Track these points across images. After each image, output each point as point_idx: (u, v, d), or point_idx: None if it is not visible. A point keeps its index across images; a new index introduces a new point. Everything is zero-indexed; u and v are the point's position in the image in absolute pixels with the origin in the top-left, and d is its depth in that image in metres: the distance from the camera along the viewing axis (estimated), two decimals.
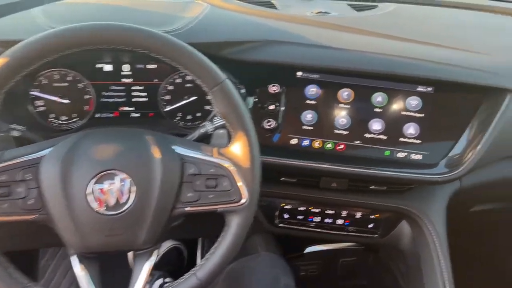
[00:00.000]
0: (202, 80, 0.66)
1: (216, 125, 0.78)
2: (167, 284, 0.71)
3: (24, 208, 0.63)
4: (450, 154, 0.87)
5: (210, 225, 0.76)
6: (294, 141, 0.88)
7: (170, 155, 0.67)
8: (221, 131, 0.76)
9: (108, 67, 0.89)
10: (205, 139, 0.78)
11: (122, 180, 0.64)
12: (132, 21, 0.64)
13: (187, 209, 0.67)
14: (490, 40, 1.00)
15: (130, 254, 1.12)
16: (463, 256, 1.10)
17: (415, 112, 0.86)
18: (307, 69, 0.86)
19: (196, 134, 0.79)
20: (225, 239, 0.69)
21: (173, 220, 0.68)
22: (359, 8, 1.10)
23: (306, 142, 0.88)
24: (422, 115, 0.86)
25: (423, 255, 1.00)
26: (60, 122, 0.91)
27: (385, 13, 1.08)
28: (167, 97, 0.93)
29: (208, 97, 0.68)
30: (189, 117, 0.95)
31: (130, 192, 0.64)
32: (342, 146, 0.88)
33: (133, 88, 0.91)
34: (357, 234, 1.05)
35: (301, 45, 0.87)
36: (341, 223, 1.04)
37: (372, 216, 1.03)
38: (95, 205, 0.63)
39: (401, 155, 0.87)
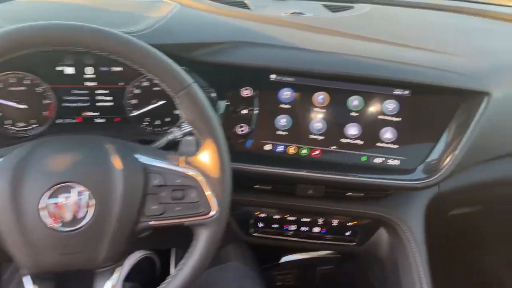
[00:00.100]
0: (166, 84, 0.62)
1: (185, 131, 0.74)
2: None
3: None
4: (428, 159, 0.86)
5: (182, 234, 0.72)
6: (268, 147, 0.85)
7: (133, 164, 0.63)
8: (190, 137, 0.72)
9: (69, 70, 0.84)
10: (173, 146, 0.75)
11: (79, 193, 0.60)
12: (93, 21, 0.60)
13: (152, 223, 0.63)
14: (466, 42, 0.99)
15: None
16: (441, 260, 1.09)
17: (392, 116, 0.85)
18: (281, 72, 0.84)
19: (163, 141, 0.75)
20: (193, 254, 0.65)
21: (137, 234, 0.64)
22: (334, 9, 1.08)
23: (280, 148, 0.85)
24: (399, 119, 0.84)
25: (401, 263, 0.98)
26: (17, 129, 0.85)
27: (361, 14, 1.06)
28: (134, 101, 0.88)
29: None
30: (157, 122, 0.90)
31: (88, 206, 0.60)
32: (317, 152, 0.85)
33: (97, 92, 0.86)
34: (334, 242, 1.04)
35: (274, 47, 0.84)
36: (317, 231, 1.03)
37: (349, 224, 1.02)
38: (49, 220, 0.58)
39: (378, 160, 0.85)
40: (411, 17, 1.14)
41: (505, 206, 1.23)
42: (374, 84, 0.83)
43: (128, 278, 1.08)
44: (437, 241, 1.03)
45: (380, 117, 0.84)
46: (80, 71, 0.84)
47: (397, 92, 0.84)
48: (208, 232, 0.65)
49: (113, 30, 0.60)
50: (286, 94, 0.84)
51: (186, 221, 0.64)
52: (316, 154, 0.85)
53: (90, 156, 0.62)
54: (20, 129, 0.85)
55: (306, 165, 0.84)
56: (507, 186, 1.08)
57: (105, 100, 0.87)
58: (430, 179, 0.84)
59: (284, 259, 1.23)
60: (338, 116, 0.84)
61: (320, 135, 0.85)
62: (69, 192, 0.59)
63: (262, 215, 1.01)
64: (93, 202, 0.60)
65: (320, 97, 0.84)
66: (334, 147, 0.85)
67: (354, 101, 0.84)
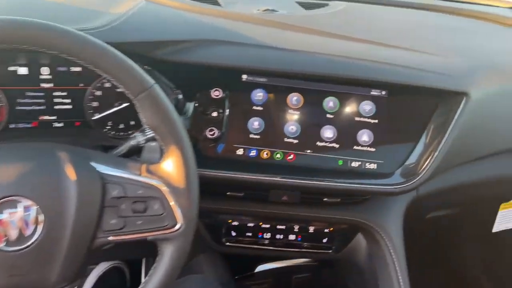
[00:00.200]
0: (124, 86, 0.57)
1: (148, 136, 0.68)
2: None
3: None
4: (406, 163, 0.83)
5: (149, 244, 0.67)
6: (240, 152, 0.81)
7: (89, 174, 0.57)
8: (153, 143, 0.66)
9: (23, 70, 0.77)
10: (136, 153, 0.69)
11: (26, 208, 0.54)
12: (48, 17, 0.55)
13: (111, 238, 0.58)
14: (444, 41, 0.98)
15: None
16: (419, 264, 1.07)
17: (368, 117, 0.81)
18: (253, 72, 0.80)
19: (125, 147, 0.69)
20: (157, 271, 0.60)
21: (94, 251, 0.58)
22: (308, 6, 1.05)
23: (253, 153, 0.81)
24: (376, 121, 0.81)
25: (380, 269, 0.95)
26: None
27: (336, 12, 1.04)
28: (95, 103, 0.82)
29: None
30: (121, 126, 0.84)
31: (37, 222, 0.54)
32: (292, 156, 0.81)
33: (54, 94, 0.80)
34: (311, 250, 1.00)
35: (246, 45, 0.80)
36: (293, 239, 0.99)
37: (326, 230, 0.98)
38: None
39: (355, 164, 0.82)
40: (387, 15, 1.12)
41: (482, 208, 1.22)
42: (349, 85, 0.80)
43: None
44: (415, 245, 1.01)
45: (357, 119, 0.81)
46: (35, 72, 0.78)
47: (374, 92, 0.81)
48: (174, 247, 0.59)
49: (64, 26, 0.54)
50: (258, 95, 0.80)
51: (149, 235, 0.59)
52: (291, 159, 0.81)
53: (39, 166, 0.56)
54: None
55: (280, 170, 0.80)
56: (486, 188, 1.07)
57: (63, 102, 0.81)
58: (408, 184, 0.81)
59: (259, 268, 1.18)
60: (313, 118, 0.81)
61: (294, 138, 0.81)
62: (15, 207, 0.53)
63: (235, 223, 0.96)
64: (42, 217, 0.54)
65: (294, 98, 0.80)
66: (309, 150, 0.81)
67: (330, 103, 0.81)
